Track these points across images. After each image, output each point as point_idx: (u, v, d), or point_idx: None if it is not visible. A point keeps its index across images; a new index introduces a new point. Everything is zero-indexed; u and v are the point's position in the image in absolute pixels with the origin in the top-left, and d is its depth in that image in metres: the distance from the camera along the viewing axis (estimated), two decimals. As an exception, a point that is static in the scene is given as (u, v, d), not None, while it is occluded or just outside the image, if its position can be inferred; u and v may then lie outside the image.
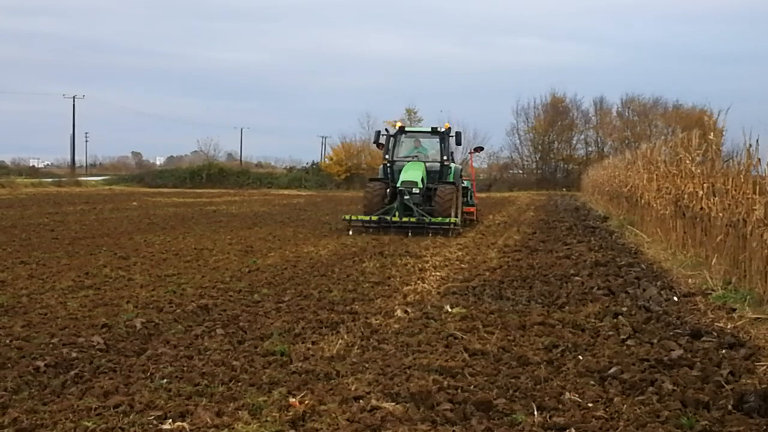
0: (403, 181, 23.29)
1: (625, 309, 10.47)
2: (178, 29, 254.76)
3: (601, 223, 28.14)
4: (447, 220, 22.43)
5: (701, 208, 15.04)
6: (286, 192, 65.01)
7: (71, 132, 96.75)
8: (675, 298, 11.41)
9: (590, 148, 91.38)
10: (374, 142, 26.59)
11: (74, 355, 7.66)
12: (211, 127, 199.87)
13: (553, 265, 15.27)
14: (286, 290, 12.03)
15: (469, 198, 27.76)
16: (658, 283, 12.74)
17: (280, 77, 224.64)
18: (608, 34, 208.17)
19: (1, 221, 24.69)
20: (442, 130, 24.99)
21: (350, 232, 22.29)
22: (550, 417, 6.12)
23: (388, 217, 22.74)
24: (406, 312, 10.30)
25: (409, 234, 21.93)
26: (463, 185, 26.38)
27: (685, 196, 16.62)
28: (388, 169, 24.67)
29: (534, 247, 18.92)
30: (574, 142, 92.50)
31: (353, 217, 23.36)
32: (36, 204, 35.80)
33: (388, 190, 23.96)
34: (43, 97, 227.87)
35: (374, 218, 22.81)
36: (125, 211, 32.27)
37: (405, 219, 22.61)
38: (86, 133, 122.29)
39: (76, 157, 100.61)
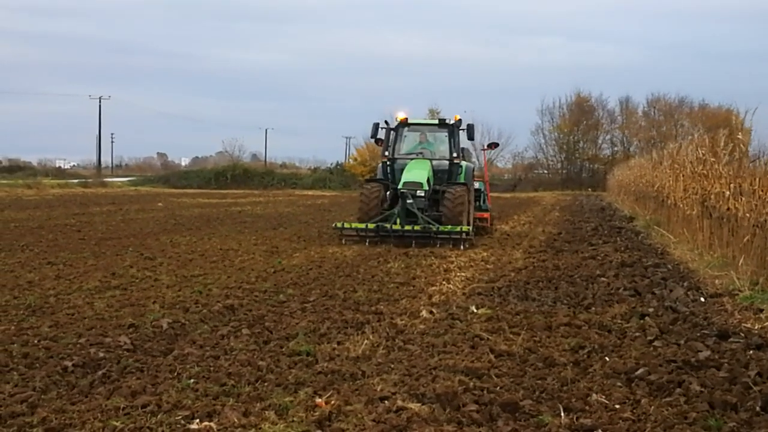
0: (405, 182, 19.88)
1: (651, 310, 10.41)
2: (203, 30, 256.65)
3: (627, 223, 27.97)
4: (458, 229, 18.97)
5: (728, 209, 14.94)
6: (310, 192, 65.10)
7: (97, 133, 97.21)
8: (702, 299, 11.33)
9: (616, 148, 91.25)
10: (371, 137, 22.38)
11: (102, 355, 7.71)
12: (236, 127, 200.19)
13: (579, 266, 15.22)
14: (312, 290, 12.05)
15: (481, 201, 23.96)
16: (685, 284, 12.67)
17: (304, 78, 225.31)
18: (633, 34, 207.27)
19: (28, 222, 24.89)
20: (451, 122, 21.41)
21: (344, 241, 19.60)
22: (577, 418, 6.10)
23: (388, 225, 19.47)
24: (431, 312, 10.29)
25: (413, 245, 18.94)
26: (475, 187, 22.98)
27: (712, 196, 16.51)
28: (388, 168, 21.28)
29: (559, 248, 18.86)
30: (600, 141, 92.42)
31: (346, 225, 20.18)
32: (62, 205, 36.04)
33: (388, 193, 20.70)
34: (69, 99, 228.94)
35: (371, 226, 19.57)
36: (151, 211, 32.43)
37: (407, 227, 19.26)
38: (112, 134, 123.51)
39: (102, 158, 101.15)
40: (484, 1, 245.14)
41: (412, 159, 21.18)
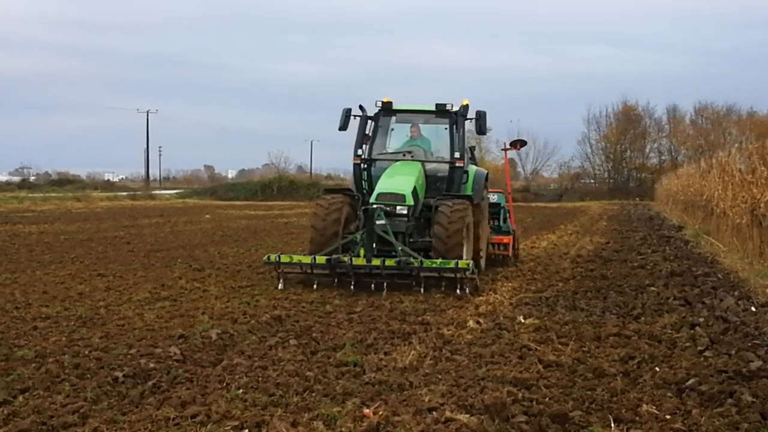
0: (379, 194, 13.93)
1: (702, 320, 10.29)
2: (250, 43, 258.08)
3: (676, 232, 27.74)
4: (451, 264, 12.81)
5: (779, 217, 14.75)
6: (356, 203, 65.06)
7: (145, 146, 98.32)
8: (753, 308, 11.16)
9: (663, 157, 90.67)
10: (341, 129, 15.31)
11: (152, 365, 7.77)
12: (282, 139, 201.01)
13: (628, 276, 15.10)
14: (358, 301, 12.08)
15: (501, 221, 18.39)
16: (735, 293, 12.49)
17: (348, 89, 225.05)
18: (679, 41, 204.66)
19: (77, 234, 25.20)
20: (454, 109, 15.28)
21: (280, 286, 13.27)
22: (627, 429, 6.05)
23: (346, 258, 13.16)
24: (478, 323, 10.26)
25: (384, 291, 12.84)
26: (492, 200, 18.10)
27: (762, 204, 16.31)
28: (364, 172, 15.36)
29: (607, 257, 18.72)
30: (647, 150, 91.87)
31: (284, 259, 13.47)
32: (111, 217, 36.46)
33: (361, 210, 14.25)
34: (117, 112, 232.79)
35: (320, 260, 13.19)
36: (198, 223, 32.72)
37: (376, 261, 13.02)
38: (160, 147, 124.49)
39: (150, 171, 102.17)
40: (530, 9, 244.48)
41: (397, 161, 15.27)
